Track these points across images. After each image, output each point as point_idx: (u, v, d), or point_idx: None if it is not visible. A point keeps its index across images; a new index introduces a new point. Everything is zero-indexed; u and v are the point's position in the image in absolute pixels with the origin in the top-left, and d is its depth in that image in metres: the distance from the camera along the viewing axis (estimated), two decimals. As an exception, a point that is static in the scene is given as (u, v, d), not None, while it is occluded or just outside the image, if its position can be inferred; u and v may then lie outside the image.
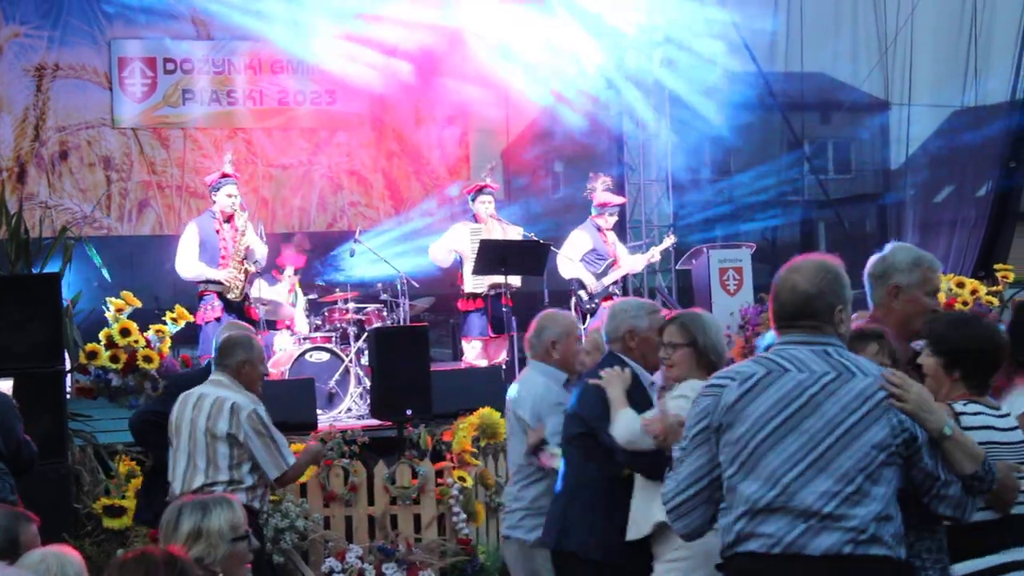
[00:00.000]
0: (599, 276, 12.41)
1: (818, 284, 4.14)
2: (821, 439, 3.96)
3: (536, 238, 12.19)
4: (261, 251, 11.50)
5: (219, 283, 11.19)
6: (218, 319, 10.98)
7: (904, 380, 4.07)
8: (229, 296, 11.22)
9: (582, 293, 12.44)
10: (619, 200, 12.78)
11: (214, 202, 11.39)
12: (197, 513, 4.40)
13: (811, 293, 4.13)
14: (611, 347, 6.06)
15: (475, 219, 12.40)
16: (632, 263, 12.83)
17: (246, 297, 11.39)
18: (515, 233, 12.29)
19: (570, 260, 12.39)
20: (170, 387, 7.97)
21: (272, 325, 12.38)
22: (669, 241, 13.35)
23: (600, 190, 12.63)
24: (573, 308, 12.26)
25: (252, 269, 11.42)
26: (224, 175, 11.43)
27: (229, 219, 11.34)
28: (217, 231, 11.27)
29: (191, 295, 11.46)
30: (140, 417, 7.94)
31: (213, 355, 7.00)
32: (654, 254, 12.99)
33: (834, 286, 4.16)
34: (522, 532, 6.58)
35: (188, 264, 11.25)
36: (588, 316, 12.29)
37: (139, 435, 7.95)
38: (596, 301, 12.34)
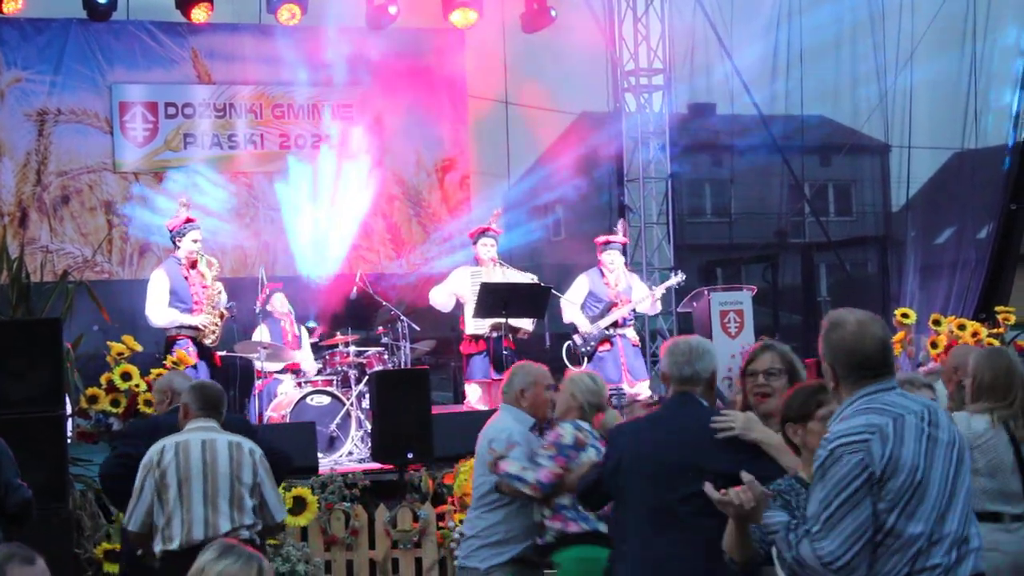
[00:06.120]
0: (594, 320, 12.41)
1: (885, 332, 4.32)
2: (948, 469, 4.19)
3: (537, 281, 12.19)
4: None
5: (195, 328, 11.07)
6: (194, 365, 10.89)
7: None
8: (205, 342, 11.14)
9: (576, 337, 12.45)
10: (616, 238, 12.80)
11: (177, 247, 11.21)
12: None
13: (888, 341, 4.29)
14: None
15: (476, 262, 12.40)
16: (639, 302, 12.78)
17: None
18: (516, 276, 12.28)
19: (570, 304, 12.41)
20: (134, 431, 7.94)
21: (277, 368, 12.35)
22: (676, 279, 13.34)
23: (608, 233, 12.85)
24: (566, 352, 12.38)
25: (227, 313, 11.35)
26: (188, 220, 11.32)
27: (193, 264, 11.28)
28: (185, 277, 11.12)
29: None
30: (111, 469, 7.39)
31: (198, 403, 6.77)
32: (657, 293, 12.98)
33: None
34: (476, 561, 6.75)
35: (160, 311, 11.00)
36: (586, 360, 12.29)
37: (113, 488, 7.50)
38: (591, 345, 12.34)
